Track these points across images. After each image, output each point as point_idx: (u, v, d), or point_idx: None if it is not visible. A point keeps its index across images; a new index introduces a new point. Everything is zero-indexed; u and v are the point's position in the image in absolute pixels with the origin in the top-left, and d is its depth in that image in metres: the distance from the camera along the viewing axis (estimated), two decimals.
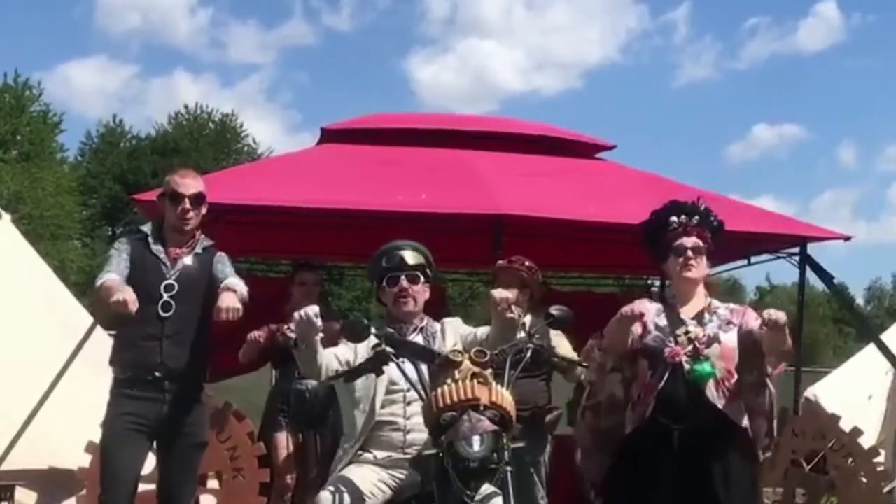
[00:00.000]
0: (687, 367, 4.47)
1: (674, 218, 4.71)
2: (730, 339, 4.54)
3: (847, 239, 8.06)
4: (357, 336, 3.98)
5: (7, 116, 34.64)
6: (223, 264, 4.79)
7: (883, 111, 71.56)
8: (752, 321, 4.55)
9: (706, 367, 4.45)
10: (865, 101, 72.39)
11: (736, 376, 4.53)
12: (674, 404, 4.45)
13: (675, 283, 4.76)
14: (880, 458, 8.04)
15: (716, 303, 4.71)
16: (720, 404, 4.46)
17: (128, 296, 4.31)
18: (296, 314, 3.95)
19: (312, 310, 3.91)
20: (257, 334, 6.43)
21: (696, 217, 4.72)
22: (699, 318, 4.61)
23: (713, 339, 4.52)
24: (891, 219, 75.09)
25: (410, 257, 4.34)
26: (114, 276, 4.55)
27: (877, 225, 75.09)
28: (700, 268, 4.66)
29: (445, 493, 3.47)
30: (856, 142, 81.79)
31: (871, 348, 9.21)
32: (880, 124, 72.13)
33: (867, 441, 7.88)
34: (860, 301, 53.79)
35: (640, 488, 4.49)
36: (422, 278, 4.37)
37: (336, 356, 4.18)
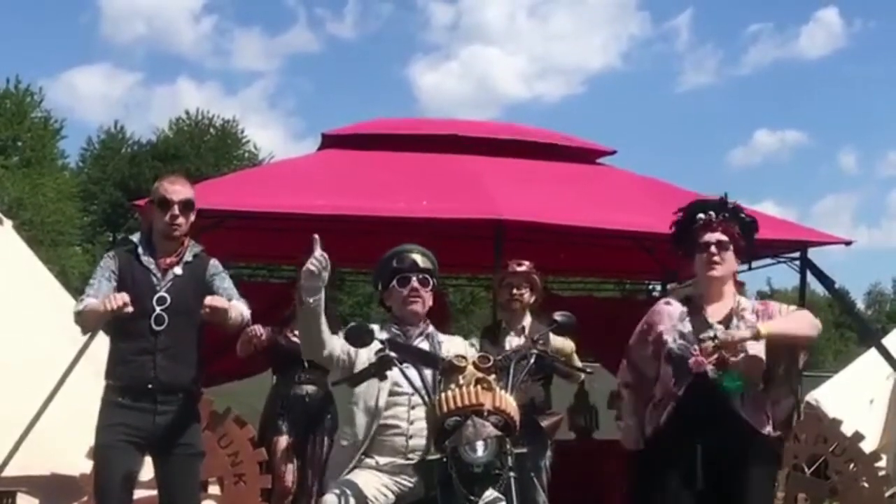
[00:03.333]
0: (713, 376, 4.32)
1: (700, 215, 4.57)
2: (756, 347, 4.36)
3: (848, 243, 8.07)
4: (360, 341, 3.99)
5: (8, 122, 34.64)
6: (222, 280, 4.73)
7: (884, 117, 71.62)
8: (776, 313, 4.44)
9: (734, 380, 4.31)
10: (866, 106, 72.40)
11: (762, 385, 4.39)
12: (697, 414, 4.32)
13: (701, 282, 4.58)
14: (882, 463, 8.03)
15: (743, 301, 4.56)
16: (745, 414, 4.34)
17: (119, 298, 4.33)
18: (308, 264, 3.98)
19: (323, 258, 3.96)
20: (258, 330, 6.41)
21: (723, 213, 4.57)
22: (726, 322, 4.45)
23: (740, 349, 4.35)
24: (891, 224, 75.16)
25: (421, 260, 4.35)
26: (92, 300, 4.53)
27: (877, 230, 75.12)
28: (726, 264, 4.49)
29: (449, 498, 3.47)
30: (857, 147, 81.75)
31: (873, 353, 9.21)
32: (881, 130, 72.14)
33: (868, 445, 7.90)
34: (861, 306, 53.80)
35: (662, 497, 4.45)
36: (430, 282, 4.37)
37: (340, 345, 4.17)
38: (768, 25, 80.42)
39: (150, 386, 4.54)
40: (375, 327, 4.16)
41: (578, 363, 6.28)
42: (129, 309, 4.35)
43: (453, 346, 4.32)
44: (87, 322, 4.62)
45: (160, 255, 4.67)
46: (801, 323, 4.47)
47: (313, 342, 4.17)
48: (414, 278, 4.31)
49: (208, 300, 4.43)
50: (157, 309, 4.56)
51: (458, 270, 10.57)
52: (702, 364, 4.34)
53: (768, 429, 4.41)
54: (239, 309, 4.63)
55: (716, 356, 4.35)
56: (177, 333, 4.57)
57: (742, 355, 4.36)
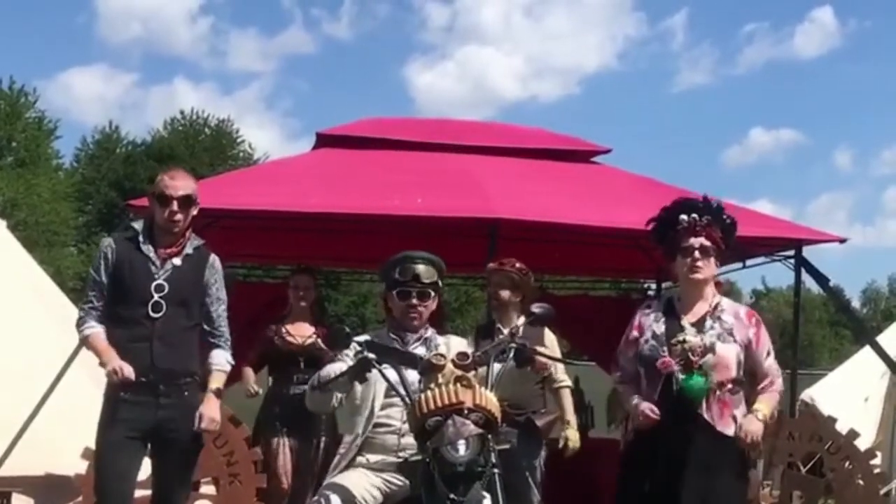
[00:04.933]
0: (680, 377, 4.37)
1: (683, 216, 4.57)
2: (727, 349, 4.43)
3: (843, 241, 8.07)
4: (338, 344, 4.01)
5: (2, 123, 34.56)
6: (216, 291, 4.73)
7: (878, 116, 72.00)
8: (763, 360, 4.48)
9: (699, 380, 4.34)
10: (861, 105, 72.92)
11: (731, 386, 4.42)
12: (667, 416, 4.36)
13: (682, 284, 4.63)
14: (877, 460, 8.05)
15: (724, 303, 4.59)
16: (712, 415, 4.37)
17: (115, 365, 4.40)
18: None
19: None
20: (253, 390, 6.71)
21: (707, 216, 4.58)
22: (700, 324, 4.49)
23: (708, 350, 4.40)
24: (886, 222, 75.56)
25: (424, 273, 4.26)
26: (97, 329, 4.56)
27: (872, 228, 75.60)
28: (707, 269, 4.53)
29: (433, 498, 3.45)
30: (851, 146, 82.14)
31: (868, 351, 9.22)
32: (876, 128, 72.53)
33: (864, 443, 7.89)
34: (856, 304, 53.93)
35: (636, 495, 4.46)
36: (432, 294, 4.33)
37: (341, 397, 4.20)
38: (763, 25, 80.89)
39: (150, 376, 4.51)
40: (368, 335, 4.16)
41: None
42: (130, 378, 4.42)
43: (452, 346, 4.29)
44: (89, 350, 4.65)
45: (161, 246, 4.66)
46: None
47: (323, 408, 4.35)
48: (414, 294, 4.26)
49: (206, 413, 4.58)
50: (156, 296, 4.55)
51: (453, 270, 10.47)
52: (669, 365, 4.39)
53: (732, 430, 4.40)
54: (221, 380, 4.75)
55: (683, 358, 4.37)
56: (174, 322, 4.57)
57: (708, 356, 4.39)
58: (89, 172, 42.00)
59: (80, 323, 4.63)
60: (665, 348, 4.44)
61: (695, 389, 4.35)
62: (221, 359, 4.73)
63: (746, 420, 4.40)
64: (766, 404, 4.46)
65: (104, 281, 4.61)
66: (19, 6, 59.37)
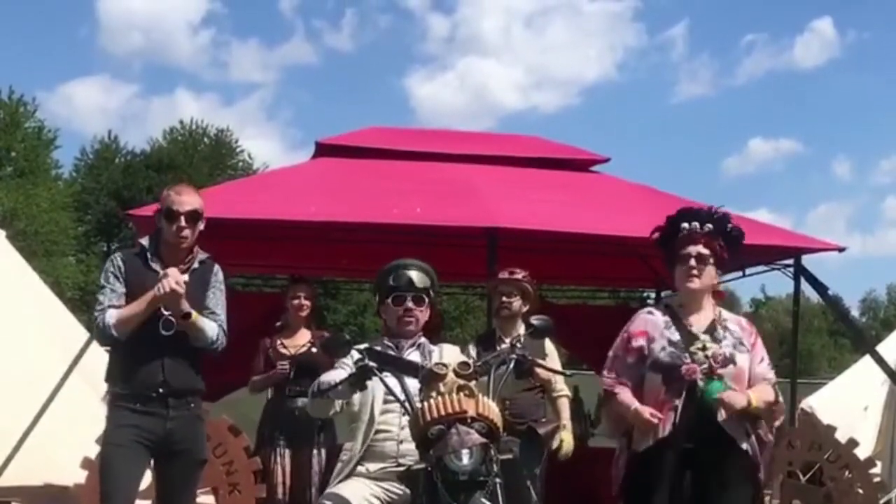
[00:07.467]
0: (701, 384, 4.34)
1: (684, 224, 4.56)
2: (743, 360, 4.43)
3: (841, 250, 8.07)
4: (336, 352, 4.03)
5: (1, 133, 34.59)
6: (214, 292, 4.72)
7: (877, 125, 72.12)
8: (756, 364, 4.48)
9: (720, 388, 4.32)
10: (860, 115, 72.97)
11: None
12: (688, 423, 4.34)
13: (681, 293, 4.61)
14: (876, 469, 8.04)
15: (725, 313, 4.59)
16: (726, 425, 4.35)
17: (167, 282, 4.41)
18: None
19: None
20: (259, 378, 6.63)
21: (709, 225, 4.56)
22: (711, 331, 4.48)
23: (729, 360, 4.39)
24: (885, 232, 75.53)
25: (418, 279, 4.32)
26: (115, 311, 4.53)
27: (871, 238, 75.52)
28: (704, 277, 4.50)
29: None
30: (850, 156, 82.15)
31: (867, 359, 9.22)
32: (874, 138, 72.59)
33: (863, 452, 7.88)
34: (855, 313, 53.94)
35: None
36: (426, 300, 4.36)
37: (339, 403, 4.20)
38: (763, 36, 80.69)
39: (160, 391, 4.52)
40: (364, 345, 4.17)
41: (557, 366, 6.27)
42: (182, 289, 4.42)
43: (446, 354, 4.30)
44: (127, 328, 4.53)
45: (169, 263, 4.66)
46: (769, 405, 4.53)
47: (324, 414, 4.32)
48: (409, 298, 4.30)
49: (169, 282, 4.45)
50: (166, 314, 4.55)
51: (452, 279, 10.53)
52: (694, 371, 4.36)
53: (746, 445, 4.40)
54: (211, 328, 4.62)
55: (706, 365, 4.36)
56: (184, 340, 4.57)
57: (730, 367, 4.39)
58: (88, 182, 41.99)
59: (101, 322, 4.54)
60: (687, 355, 4.41)
61: (716, 396, 4.33)
62: (211, 322, 4.65)
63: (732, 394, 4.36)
64: (755, 393, 4.43)
65: (122, 290, 4.58)
66: (21, 18, 59.59)
